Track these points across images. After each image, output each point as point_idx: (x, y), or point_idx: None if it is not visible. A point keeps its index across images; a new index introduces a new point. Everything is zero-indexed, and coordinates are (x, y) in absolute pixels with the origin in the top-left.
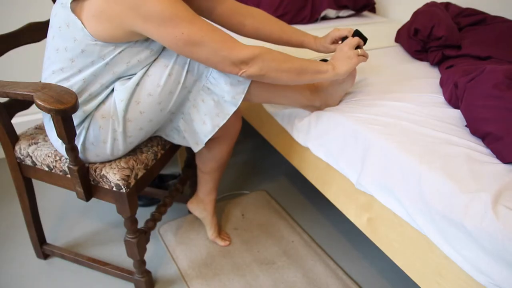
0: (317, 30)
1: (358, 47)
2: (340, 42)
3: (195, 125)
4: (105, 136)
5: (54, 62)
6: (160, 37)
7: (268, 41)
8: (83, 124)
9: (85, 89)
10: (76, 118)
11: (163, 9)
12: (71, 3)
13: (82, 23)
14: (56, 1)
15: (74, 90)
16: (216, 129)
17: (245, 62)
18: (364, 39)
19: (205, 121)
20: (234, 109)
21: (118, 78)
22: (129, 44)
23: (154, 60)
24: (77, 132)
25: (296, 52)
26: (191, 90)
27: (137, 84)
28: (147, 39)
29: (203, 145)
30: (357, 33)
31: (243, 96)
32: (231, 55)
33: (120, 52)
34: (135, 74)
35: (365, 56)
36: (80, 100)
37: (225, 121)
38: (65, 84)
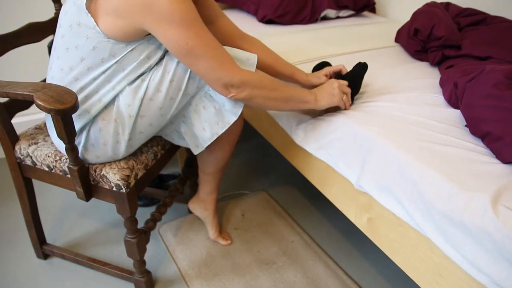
0: (317, 30)
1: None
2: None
3: (195, 130)
4: (106, 138)
5: (63, 61)
6: (165, 39)
7: (260, 69)
8: (86, 126)
9: (96, 91)
10: (82, 120)
11: (174, 11)
12: (86, 1)
13: (95, 20)
14: (68, 0)
15: (86, 93)
16: (215, 137)
17: (235, 86)
18: (363, 69)
19: (204, 127)
20: (235, 118)
21: (127, 78)
22: (140, 42)
23: (157, 63)
24: (80, 133)
25: (292, 50)
26: (193, 96)
27: (141, 88)
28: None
29: (203, 149)
30: (359, 65)
31: (242, 105)
32: (225, 77)
33: (132, 50)
34: (143, 74)
35: (346, 105)
36: (89, 102)
37: (224, 130)
38: (76, 85)
